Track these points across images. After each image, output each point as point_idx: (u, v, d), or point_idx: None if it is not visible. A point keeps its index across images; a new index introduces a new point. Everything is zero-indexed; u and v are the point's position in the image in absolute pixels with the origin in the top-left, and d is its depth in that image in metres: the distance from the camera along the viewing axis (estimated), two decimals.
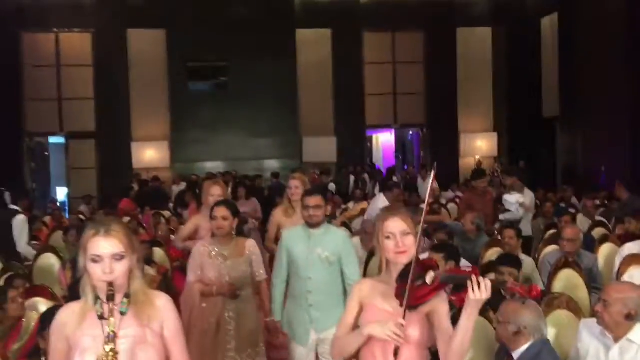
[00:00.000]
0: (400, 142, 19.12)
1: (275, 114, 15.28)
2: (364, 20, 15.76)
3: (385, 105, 16.58)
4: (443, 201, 10.13)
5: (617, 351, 2.79)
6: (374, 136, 19.18)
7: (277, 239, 4.34)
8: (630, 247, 5.09)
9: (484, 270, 4.64)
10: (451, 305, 2.45)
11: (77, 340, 2.01)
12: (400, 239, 2.28)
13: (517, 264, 4.14)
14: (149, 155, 15.21)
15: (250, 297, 3.88)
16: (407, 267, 2.22)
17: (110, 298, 1.95)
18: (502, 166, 14.66)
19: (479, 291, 2.07)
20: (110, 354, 1.93)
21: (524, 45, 15.70)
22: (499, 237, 5.42)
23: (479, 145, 16.47)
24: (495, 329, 3.08)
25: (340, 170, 14.92)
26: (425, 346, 2.35)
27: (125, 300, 2.02)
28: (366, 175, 14.38)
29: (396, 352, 2.20)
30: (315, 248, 3.66)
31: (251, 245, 3.90)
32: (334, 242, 3.71)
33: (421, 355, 2.33)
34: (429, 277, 2.18)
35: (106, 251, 1.99)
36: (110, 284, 1.96)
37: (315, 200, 3.71)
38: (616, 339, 2.82)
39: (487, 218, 6.02)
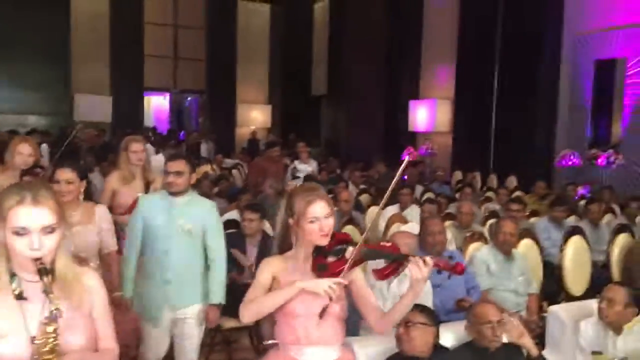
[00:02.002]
0: (175, 107, 19.07)
1: (43, 66, 14.06)
2: None
3: (164, 68, 16.43)
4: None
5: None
6: (146, 98, 18.78)
7: (110, 209, 3.84)
8: (390, 209, 6.31)
9: None
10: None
11: None
12: (324, 222, 2.25)
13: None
14: None
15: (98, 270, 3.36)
16: None
17: (44, 272, 1.66)
18: (267, 138, 15.68)
19: (422, 269, 2.13)
20: (52, 335, 1.67)
21: (298, 26, 16.94)
22: None
23: (255, 116, 17.35)
24: None
25: (115, 131, 14.46)
26: (344, 317, 2.38)
27: (45, 278, 1.70)
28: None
29: (323, 312, 2.23)
30: (176, 218, 3.25)
31: (102, 211, 3.44)
32: (199, 213, 3.32)
33: (341, 328, 2.36)
34: (348, 251, 2.24)
35: (34, 223, 1.66)
36: (38, 260, 1.67)
37: (177, 165, 3.26)
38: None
39: (278, 182, 6.77)
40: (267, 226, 4.90)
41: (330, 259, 2.27)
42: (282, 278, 2.32)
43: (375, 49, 14.18)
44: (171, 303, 3.28)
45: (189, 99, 18.44)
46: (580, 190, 8.32)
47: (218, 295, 3.32)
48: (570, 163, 9.79)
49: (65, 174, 3.20)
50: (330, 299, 2.21)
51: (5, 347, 1.68)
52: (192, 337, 3.37)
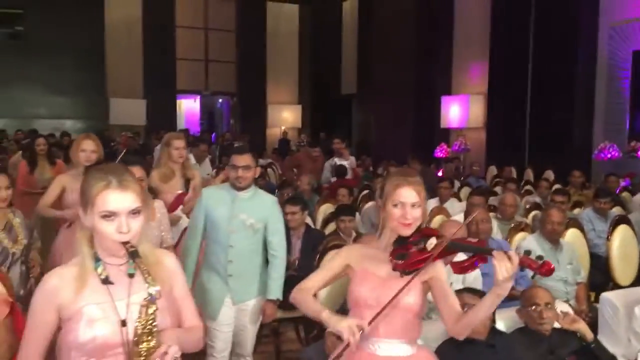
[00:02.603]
0: (206, 109, 19.30)
1: (79, 71, 14.41)
2: None
3: (196, 70, 16.64)
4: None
5: None
6: (177, 102, 19.06)
7: None
8: (430, 203, 6.33)
9: (326, 221, 5.37)
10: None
11: (78, 310, 1.69)
12: (409, 210, 2.11)
13: (353, 212, 4.93)
14: None
15: None
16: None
17: (135, 254, 1.66)
18: (309, 137, 15.76)
19: (507, 266, 1.88)
20: (152, 317, 1.65)
21: (327, 26, 16.99)
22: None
23: (285, 117, 17.45)
24: None
25: (149, 134, 14.70)
26: (420, 315, 2.22)
27: (131, 261, 1.71)
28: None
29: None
30: (239, 213, 3.22)
31: (160, 206, 3.45)
32: (261, 208, 3.29)
33: (415, 323, 2.21)
34: (430, 242, 2.09)
35: (122, 206, 1.67)
36: (126, 243, 1.67)
37: (244, 159, 3.22)
38: None
39: (317, 178, 6.81)
40: (309, 219, 4.96)
41: (412, 250, 2.10)
42: (356, 266, 2.23)
43: (406, 46, 14.12)
44: (232, 297, 3.28)
45: (220, 101, 18.63)
46: (622, 182, 8.17)
47: (277, 291, 3.31)
48: (609, 156, 9.62)
49: (137, 172, 3.10)
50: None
51: (98, 331, 1.68)
52: (248, 330, 3.37)
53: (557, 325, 3.01)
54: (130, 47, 15.33)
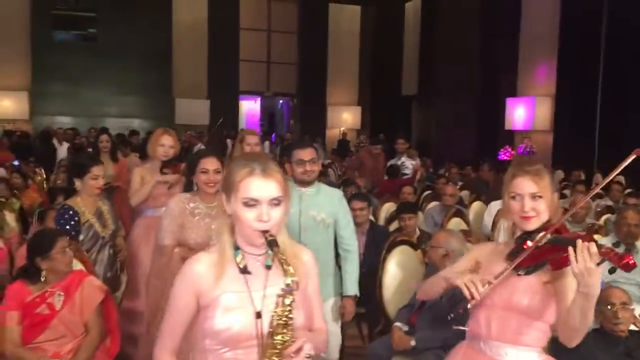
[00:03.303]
0: (267, 111, 19.57)
1: (147, 72, 14.92)
2: None
3: (258, 72, 16.91)
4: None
5: None
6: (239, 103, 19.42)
7: None
8: (494, 205, 6.20)
9: (389, 220, 5.36)
10: None
11: (216, 297, 1.67)
12: (528, 202, 1.96)
13: (415, 210, 4.91)
14: (5, 105, 14.12)
15: None
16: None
17: (274, 243, 1.61)
18: (368, 138, 15.73)
19: (582, 259, 1.74)
20: (288, 308, 1.59)
21: (389, 26, 16.91)
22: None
23: (345, 118, 17.49)
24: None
25: (213, 133, 15.03)
26: (538, 318, 2.00)
27: (270, 252, 1.68)
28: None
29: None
30: (308, 210, 3.15)
31: None
32: (330, 202, 3.23)
33: (530, 326, 2.00)
34: (539, 237, 1.90)
35: (264, 194, 1.64)
36: (265, 232, 1.63)
37: (309, 152, 3.16)
38: None
39: (378, 176, 6.81)
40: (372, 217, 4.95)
41: (526, 246, 1.93)
42: (484, 262, 2.10)
43: (469, 46, 13.89)
44: None
45: (280, 102, 18.86)
46: None
47: (354, 286, 3.26)
48: None
49: (214, 164, 3.12)
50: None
51: (234, 321, 1.65)
52: (331, 332, 3.09)
53: (634, 327, 2.90)
54: (195, 48, 15.74)
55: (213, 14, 15.73)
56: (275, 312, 1.59)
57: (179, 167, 4.13)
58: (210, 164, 3.10)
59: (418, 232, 4.71)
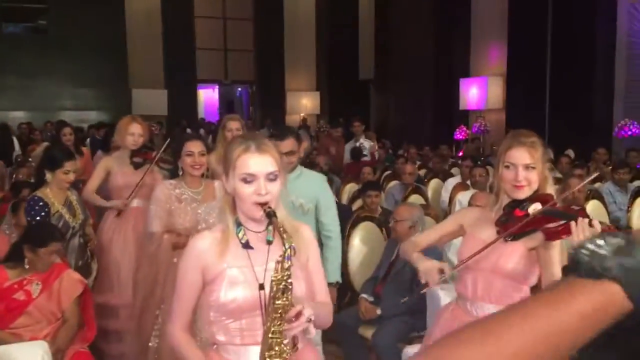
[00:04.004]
0: (225, 99, 19.51)
1: (101, 64, 14.66)
2: None
3: (215, 60, 16.84)
4: None
5: None
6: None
7: None
8: (451, 181, 6.48)
9: (352, 199, 5.56)
10: None
11: (220, 272, 1.76)
12: (522, 172, 2.06)
13: (379, 188, 5.13)
14: None
15: None
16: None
17: (273, 214, 1.68)
18: (328, 123, 15.89)
19: (583, 233, 1.83)
20: (287, 273, 1.61)
21: (344, 11, 17.04)
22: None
23: (304, 103, 17.59)
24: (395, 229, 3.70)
25: (172, 124, 14.95)
26: (522, 281, 2.13)
27: (270, 227, 1.74)
28: (202, 130, 14.63)
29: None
30: (287, 195, 3.02)
31: (219, 187, 3.23)
32: (310, 187, 3.17)
33: (514, 288, 2.13)
34: (532, 207, 2.00)
35: (260, 169, 1.73)
36: (264, 204, 1.70)
37: (288, 144, 3.05)
38: None
39: (340, 159, 7.01)
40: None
41: (516, 214, 2.03)
42: (468, 228, 2.24)
43: (423, 29, 14.16)
44: None
45: (239, 89, 18.82)
46: None
47: (335, 273, 3.22)
48: (629, 133, 9.65)
49: (199, 146, 3.15)
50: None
51: (238, 293, 1.73)
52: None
53: None
54: (150, 38, 15.54)
55: (166, 3, 15.53)
56: (274, 277, 1.62)
57: (149, 155, 4.06)
58: (195, 146, 3.15)
59: (380, 210, 4.92)
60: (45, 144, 7.89)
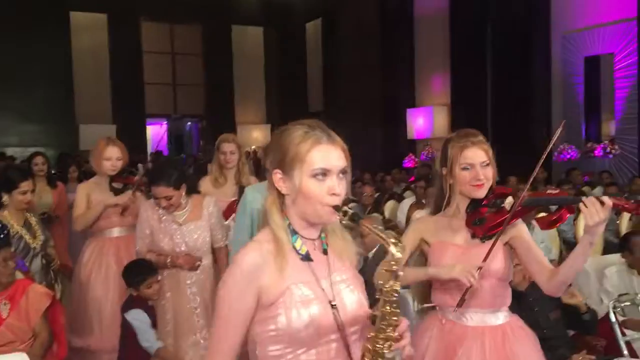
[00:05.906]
0: (173, 133, 19.39)
1: (47, 99, 14.44)
2: (141, 9, 15.77)
3: (164, 95, 16.83)
4: None
5: None
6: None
7: None
8: (406, 202, 6.72)
9: None
10: None
11: (284, 291, 1.43)
12: (480, 170, 2.05)
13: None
14: None
15: (212, 267, 3.32)
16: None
17: (357, 217, 1.43)
18: None
19: (598, 211, 1.80)
20: (398, 283, 1.40)
21: (292, 46, 17.41)
22: None
23: (255, 136, 17.71)
24: None
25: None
26: (507, 279, 2.14)
27: (323, 235, 1.51)
28: (150, 164, 14.49)
29: (465, 293, 2.01)
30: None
31: (210, 203, 3.29)
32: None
33: (503, 289, 2.12)
34: (507, 202, 2.01)
35: (336, 163, 1.45)
36: (337, 207, 1.42)
37: (163, 191, 3.22)
38: None
39: None
40: None
41: (487, 213, 2.02)
42: (431, 239, 2.15)
43: (369, 62, 14.62)
44: None
45: (189, 123, 18.79)
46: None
47: None
48: (568, 157, 10.19)
49: (164, 192, 3.13)
50: (470, 285, 1.97)
51: (313, 313, 1.43)
52: None
53: None
54: (97, 73, 15.43)
55: (113, 39, 15.51)
56: (385, 287, 1.38)
57: (131, 179, 3.80)
58: (159, 192, 3.17)
59: None
60: None
